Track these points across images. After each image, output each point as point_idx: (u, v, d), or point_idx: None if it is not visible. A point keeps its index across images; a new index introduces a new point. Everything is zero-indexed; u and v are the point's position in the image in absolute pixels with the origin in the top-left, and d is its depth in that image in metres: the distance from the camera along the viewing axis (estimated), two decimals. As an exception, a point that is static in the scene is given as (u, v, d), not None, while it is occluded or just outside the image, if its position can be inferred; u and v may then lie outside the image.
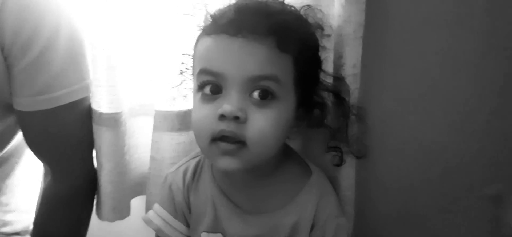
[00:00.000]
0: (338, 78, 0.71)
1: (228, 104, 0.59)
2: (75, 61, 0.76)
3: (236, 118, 0.59)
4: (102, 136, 0.81)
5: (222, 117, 0.59)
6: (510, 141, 0.81)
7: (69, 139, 0.80)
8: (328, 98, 0.71)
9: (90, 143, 0.82)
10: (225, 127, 0.59)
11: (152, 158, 0.83)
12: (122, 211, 0.87)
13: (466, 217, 0.86)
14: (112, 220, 0.86)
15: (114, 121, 0.80)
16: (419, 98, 0.80)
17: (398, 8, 0.76)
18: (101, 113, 0.79)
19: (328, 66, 0.72)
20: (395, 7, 0.76)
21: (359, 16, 0.69)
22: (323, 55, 0.70)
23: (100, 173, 0.83)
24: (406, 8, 0.76)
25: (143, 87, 0.86)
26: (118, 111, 0.80)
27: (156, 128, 0.82)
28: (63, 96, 0.75)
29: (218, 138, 0.61)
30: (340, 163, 0.73)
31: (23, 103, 0.74)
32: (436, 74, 0.78)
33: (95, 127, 0.81)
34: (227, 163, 0.62)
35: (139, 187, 0.91)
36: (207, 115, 0.61)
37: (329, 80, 0.71)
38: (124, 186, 0.86)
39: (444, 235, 0.86)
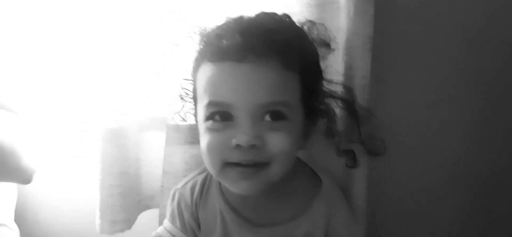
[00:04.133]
0: (348, 88, 0.72)
1: (244, 135, 0.58)
2: None
3: (253, 146, 0.58)
4: (104, 150, 0.82)
5: (238, 146, 0.59)
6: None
7: None
8: (336, 105, 0.72)
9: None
10: (243, 156, 0.59)
11: (165, 172, 0.83)
12: (122, 224, 0.87)
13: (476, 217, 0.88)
14: (111, 233, 0.86)
15: (116, 136, 0.82)
16: (428, 106, 0.83)
17: (406, 19, 0.79)
18: (103, 128, 0.81)
19: (336, 75, 0.73)
20: (404, 18, 0.79)
21: (368, 29, 0.71)
22: (330, 63, 0.71)
23: (101, 186, 0.84)
24: (415, 19, 0.79)
25: (152, 101, 0.87)
26: (120, 125, 0.82)
27: (168, 142, 0.82)
28: None
29: (232, 163, 0.60)
30: (354, 165, 0.72)
31: None
32: (445, 81, 0.81)
33: (98, 142, 0.82)
34: (245, 187, 0.61)
35: (150, 200, 0.91)
36: (219, 143, 0.60)
37: (336, 88, 0.71)
38: (127, 200, 0.86)
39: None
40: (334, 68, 0.73)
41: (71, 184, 1.02)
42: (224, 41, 0.60)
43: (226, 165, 0.61)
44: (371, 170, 0.77)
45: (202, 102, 0.62)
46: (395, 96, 0.83)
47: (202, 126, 0.63)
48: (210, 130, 0.61)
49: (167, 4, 0.80)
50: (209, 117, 0.61)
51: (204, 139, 0.62)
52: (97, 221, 0.86)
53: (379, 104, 0.77)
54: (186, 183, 0.75)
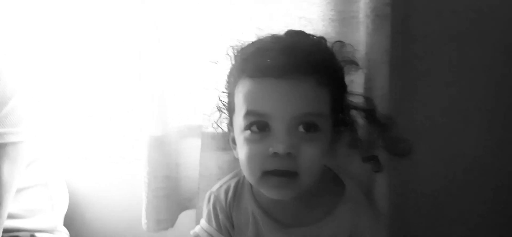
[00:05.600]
0: (368, 98, 0.77)
1: (281, 143, 0.64)
2: None
3: (289, 154, 0.64)
4: (150, 156, 0.90)
5: (276, 154, 0.64)
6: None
7: None
8: (358, 115, 0.76)
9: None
10: (279, 164, 0.65)
11: (201, 175, 0.91)
12: (166, 223, 0.94)
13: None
14: (156, 231, 0.93)
15: (160, 143, 0.90)
16: (448, 110, 0.88)
17: (423, 31, 0.84)
18: (149, 136, 0.90)
19: (357, 87, 0.79)
20: (420, 30, 0.84)
21: (385, 43, 0.76)
22: (352, 76, 0.77)
23: (147, 188, 0.92)
24: (431, 31, 0.84)
25: (190, 111, 0.95)
26: (163, 133, 0.90)
27: (203, 148, 0.90)
28: None
29: (269, 171, 0.66)
30: (379, 169, 0.77)
31: None
32: (464, 84, 0.86)
33: (144, 148, 0.90)
34: (281, 194, 0.67)
35: (188, 202, 0.99)
36: (257, 153, 0.66)
37: (358, 100, 0.76)
38: (170, 201, 0.94)
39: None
40: (355, 81, 0.79)
41: (115, 187, 1.10)
42: (268, 60, 0.66)
43: (264, 174, 0.66)
44: (393, 173, 0.81)
45: (241, 112, 0.68)
46: (416, 102, 0.88)
47: (240, 136, 0.69)
48: (248, 140, 0.67)
49: (206, 21, 0.86)
50: (247, 127, 0.67)
51: (243, 150, 0.68)
52: (144, 221, 0.94)
53: (400, 110, 0.81)
54: (220, 187, 0.81)
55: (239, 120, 0.69)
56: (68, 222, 1.04)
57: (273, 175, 0.66)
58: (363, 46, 0.78)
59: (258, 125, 0.66)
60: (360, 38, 0.78)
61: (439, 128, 0.88)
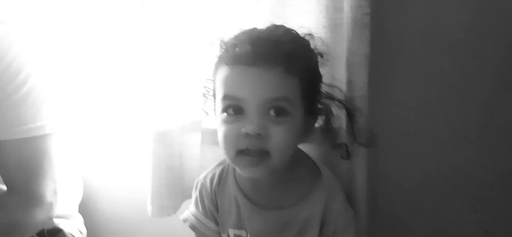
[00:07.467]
0: (340, 88, 0.84)
1: (251, 125, 0.69)
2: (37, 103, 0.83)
3: (259, 134, 0.70)
4: (154, 148, 0.98)
5: (247, 135, 0.70)
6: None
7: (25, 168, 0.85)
8: (333, 105, 0.82)
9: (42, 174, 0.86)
10: (250, 144, 0.70)
11: (201, 167, 0.98)
12: (169, 209, 1.01)
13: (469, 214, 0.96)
14: (160, 216, 1.00)
15: (164, 136, 0.97)
16: (424, 108, 0.94)
17: (401, 38, 0.91)
18: (154, 130, 0.97)
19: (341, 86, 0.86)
20: (398, 37, 0.91)
21: (364, 49, 0.83)
22: (336, 76, 0.83)
23: (152, 178, 0.99)
24: (408, 38, 0.91)
25: (192, 107, 1.01)
26: (167, 128, 0.98)
27: (203, 142, 0.98)
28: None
29: (243, 151, 0.71)
30: (347, 157, 0.83)
31: None
32: (439, 84, 0.93)
33: (149, 141, 0.98)
34: (253, 172, 0.74)
35: (192, 191, 1.02)
36: (232, 133, 0.72)
37: (330, 90, 0.82)
38: (172, 190, 1.00)
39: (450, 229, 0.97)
40: (339, 80, 0.85)
41: (124, 177, 1.19)
42: (237, 49, 0.72)
43: (238, 153, 0.72)
44: (371, 166, 0.88)
45: (219, 96, 0.74)
46: (393, 101, 0.94)
47: (219, 118, 0.75)
48: (225, 122, 0.73)
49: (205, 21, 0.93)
50: (224, 110, 0.73)
51: (221, 130, 0.74)
52: (149, 207, 1.01)
53: (379, 109, 0.88)
54: (206, 175, 0.88)
55: (218, 103, 0.75)
56: (83, 209, 1.11)
57: (246, 155, 0.71)
58: (346, 52, 0.84)
59: (234, 108, 0.72)
60: (344, 45, 0.85)
61: (414, 126, 0.95)
